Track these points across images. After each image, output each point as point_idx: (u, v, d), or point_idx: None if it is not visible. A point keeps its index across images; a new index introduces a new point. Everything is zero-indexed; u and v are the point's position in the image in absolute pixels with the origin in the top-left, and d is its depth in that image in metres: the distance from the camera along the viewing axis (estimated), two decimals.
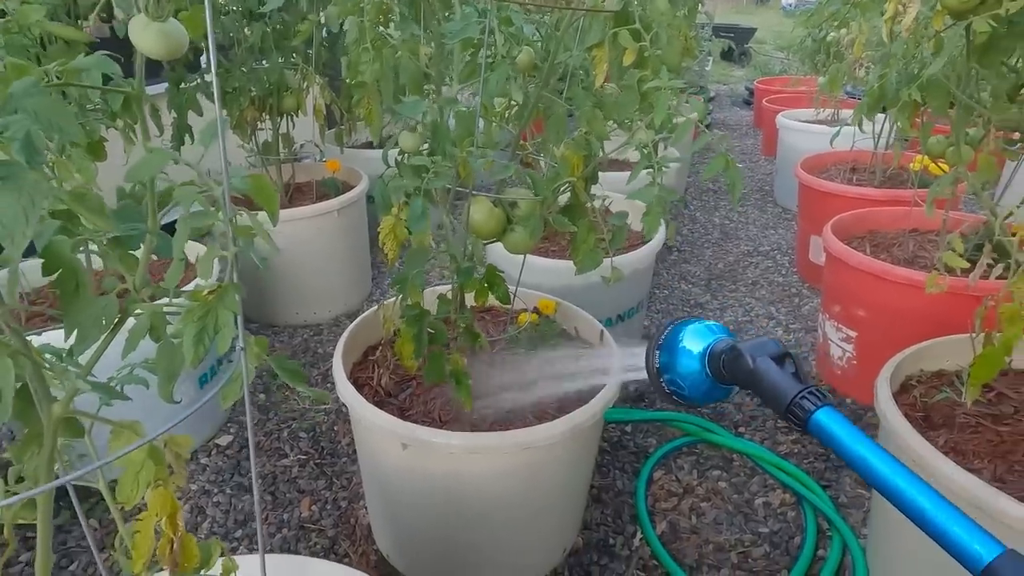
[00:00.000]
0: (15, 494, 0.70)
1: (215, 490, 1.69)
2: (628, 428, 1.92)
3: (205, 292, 0.50)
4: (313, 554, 1.52)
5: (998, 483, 1.11)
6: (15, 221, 0.38)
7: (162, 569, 0.80)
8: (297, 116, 2.52)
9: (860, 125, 1.72)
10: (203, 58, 2.29)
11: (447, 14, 1.08)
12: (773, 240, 3.30)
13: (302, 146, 3.04)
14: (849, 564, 1.46)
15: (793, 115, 3.72)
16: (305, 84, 2.35)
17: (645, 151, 1.09)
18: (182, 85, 2.15)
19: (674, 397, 0.84)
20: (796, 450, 1.83)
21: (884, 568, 1.37)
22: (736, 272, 2.96)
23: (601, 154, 1.24)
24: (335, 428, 1.93)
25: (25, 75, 0.49)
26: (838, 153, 2.88)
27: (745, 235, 3.36)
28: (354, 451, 1.84)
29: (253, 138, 2.38)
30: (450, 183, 0.94)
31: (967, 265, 1.19)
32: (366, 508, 1.61)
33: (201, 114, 2.18)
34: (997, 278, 1.33)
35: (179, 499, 0.72)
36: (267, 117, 2.44)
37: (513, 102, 1.28)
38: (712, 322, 0.83)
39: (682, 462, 1.80)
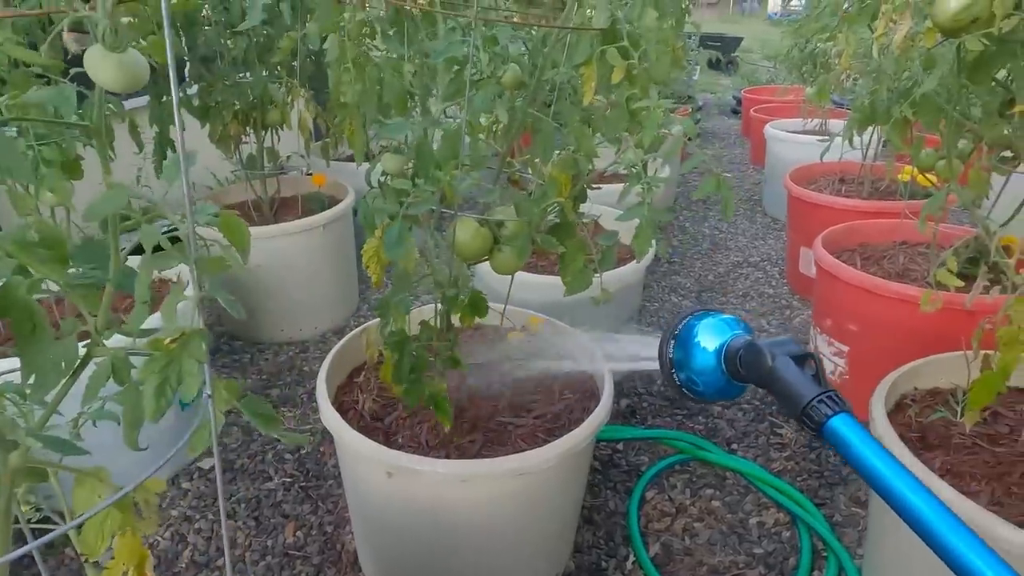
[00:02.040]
0: None
1: (197, 516, 1.64)
2: (620, 446, 1.89)
3: (167, 341, 0.47)
4: None
5: (995, 506, 1.09)
6: None
7: None
8: (282, 130, 2.49)
9: (851, 140, 1.70)
10: (186, 71, 2.25)
11: (430, 32, 1.05)
12: (763, 251, 3.29)
13: (288, 159, 3.00)
14: None
15: (781, 125, 3.73)
16: (290, 98, 2.32)
17: (635, 170, 1.07)
18: (164, 99, 2.11)
19: (686, 392, 0.81)
20: (790, 467, 1.80)
21: None
22: (726, 283, 2.95)
23: (590, 171, 1.21)
24: (321, 449, 1.89)
25: None
26: (826, 164, 2.87)
27: (735, 246, 3.35)
28: (339, 474, 1.80)
29: (237, 152, 2.34)
30: (434, 207, 0.91)
31: (961, 283, 1.17)
32: (352, 534, 1.57)
33: (184, 128, 2.14)
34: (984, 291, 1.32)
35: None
36: (251, 131, 2.41)
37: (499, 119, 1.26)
38: (730, 316, 0.79)
39: (675, 480, 1.77)
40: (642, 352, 0.99)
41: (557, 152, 1.22)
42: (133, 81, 0.46)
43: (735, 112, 6.38)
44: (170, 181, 0.49)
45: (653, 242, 2.06)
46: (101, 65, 0.46)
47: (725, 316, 0.80)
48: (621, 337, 1.25)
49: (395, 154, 0.98)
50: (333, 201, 2.55)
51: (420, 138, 0.91)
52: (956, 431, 1.24)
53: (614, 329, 2.07)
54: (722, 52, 7.26)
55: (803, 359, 0.69)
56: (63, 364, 0.55)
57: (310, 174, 2.96)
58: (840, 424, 0.62)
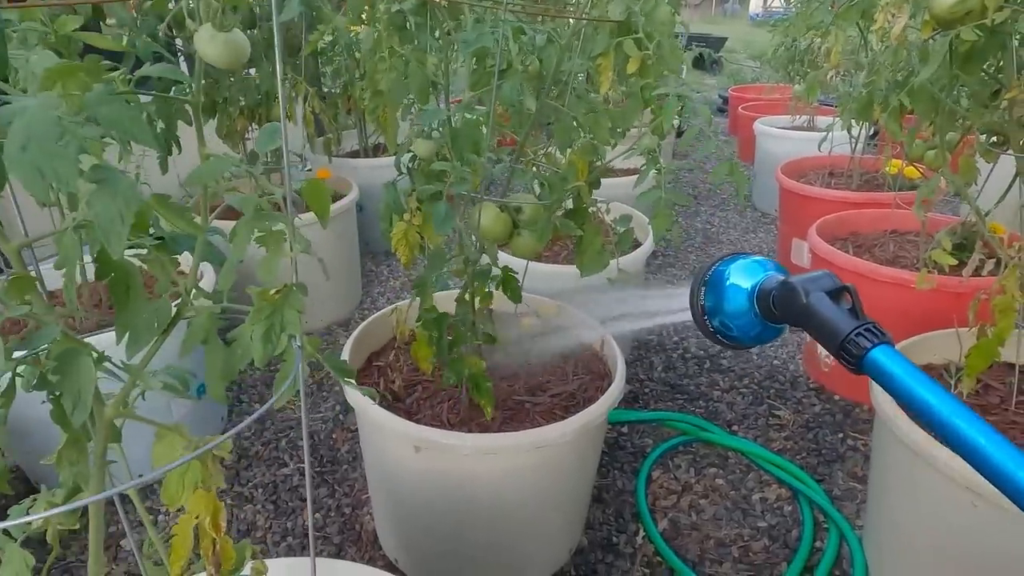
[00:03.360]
0: (56, 503, 0.71)
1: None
2: (625, 429, 1.95)
3: (272, 292, 0.52)
4: (321, 559, 1.52)
5: None
6: (112, 223, 0.39)
7: (195, 573, 0.80)
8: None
9: (849, 129, 1.78)
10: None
11: (456, 23, 1.10)
12: (754, 243, 3.37)
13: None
14: (846, 554, 1.50)
15: (770, 122, 3.82)
16: (294, 93, 2.36)
17: (651, 156, 1.13)
18: (171, 93, 2.13)
19: (720, 339, 0.78)
20: (789, 446, 1.87)
21: (881, 557, 1.42)
22: None
23: (601, 161, 1.27)
24: (333, 436, 1.93)
25: (79, 80, 0.51)
26: (816, 158, 2.96)
27: (727, 239, 3.44)
28: (353, 458, 1.84)
29: (243, 147, 2.37)
30: (468, 189, 0.96)
31: (955, 263, 1.24)
32: (370, 514, 1.61)
33: (190, 123, 2.17)
34: (974, 274, 1.40)
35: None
36: (255, 127, 2.44)
37: (507, 110, 1.31)
38: (760, 257, 0.77)
39: (679, 461, 1.84)
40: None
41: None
42: (237, 58, 0.51)
43: (721, 111, 6.49)
44: (263, 151, 0.53)
45: (650, 232, 2.11)
46: (210, 43, 0.50)
47: (756, 257, 0.78)
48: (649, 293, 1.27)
49: (426, 140, 1.03)
50: (336, 196, 2.58)
51: (458, 123, 0.96)
52: None
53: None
54: (707, 51, 7.37)
55: (838, 293, 0.67)
56: (155, 323, 0.60)
57: (309, 170, 3.00)
58: (881, 355, 0.60)
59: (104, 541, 1.53)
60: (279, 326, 0.51)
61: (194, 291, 0.59)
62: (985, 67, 1.22)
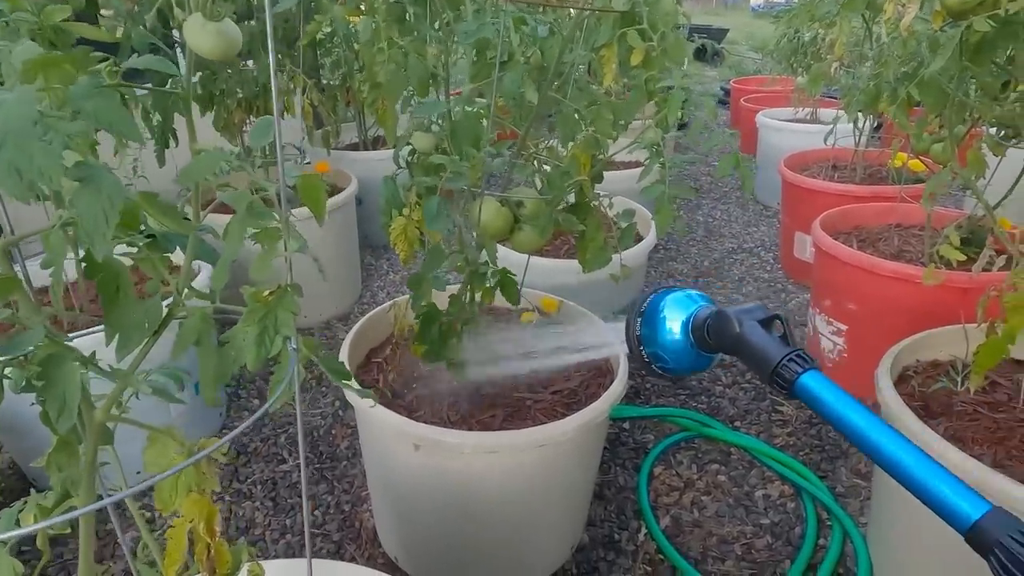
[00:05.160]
0: (47, 508, 0.69)
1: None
2: (626, 425, 1.94)
3: (265, 293, 0.50)
4: (319, 559, 1.51)
5: (999, 468, 1.14)
6: (96, 222, 0.38)
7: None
8: (284, 118, 2.50)
9: (856, 122, 1.75)
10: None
11: (456, 14, 1.08)
12: (756, 237, 3.35)
13: (283, 148, 3.01)
14: (850, 552, 1.49)
15: (772, 114, 3.79)
16: (292, 85, 2.33)
17: (655, 149, 1.11)
18: (167, 86, 2.11)
19: (656, 368, 0.82)
20: (792, 442, 1.86)
21: (886, 555, 1.40)
22: (722, 269, 3.01)
23: (604, 155, 1.25)
24: (332, 432, 1.91)
25: (63, 72, 0.49)
26: (819, 151, 2.94)
27: (729, 232, 3.41)
28: (353, 454, 1.83)
29: (241, 140, 2.35)
30: (467, 183, 0.94)
31: (964, 258, 1.23)
32: (370, 511, 1.60)
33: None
34: (984, 269, 1.38)
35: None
36: (252, 119, 2.42)
37: (507, 102, 1.29)
38: (693, 290, 0.81)
39: (681, 457, 1.82)
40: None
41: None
42: (229, 49, 0.49)
43: (722, 103, 6.45)
44: (256, 146, 0.51)
45: (653, 226, 2.09)
46: (200, 33, 0.48)
47: (688, 290, 0.81)
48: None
49: (425, 133, 1.01)
50: (336, 189, 2.56)
51: (457, 116, 0.93)
52: (957, 400, 1.30)
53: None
54: (709, 43, 7.33)
55: (770, 322, 0.71)
56: (146, 324, 0.58)
57: (308, 163, 2.97)
58: (810, 380, 0.65)
59: (102, 540, 1.52)
60: (273, 328, 0.49)
61: (186, 291, 0.57)
62: (995, 59, 1.20)
